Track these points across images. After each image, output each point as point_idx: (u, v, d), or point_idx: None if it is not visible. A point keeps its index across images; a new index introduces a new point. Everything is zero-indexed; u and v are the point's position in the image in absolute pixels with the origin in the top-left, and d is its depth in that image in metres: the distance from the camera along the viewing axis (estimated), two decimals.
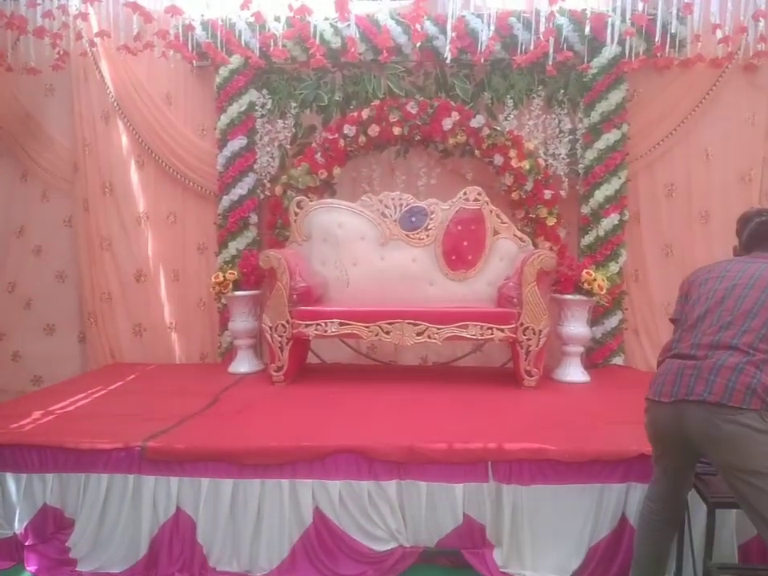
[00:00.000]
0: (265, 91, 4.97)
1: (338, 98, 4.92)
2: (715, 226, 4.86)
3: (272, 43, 4.69)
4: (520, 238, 4.63)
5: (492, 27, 4.45)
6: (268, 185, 5.03)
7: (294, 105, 4.93)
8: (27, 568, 2.90)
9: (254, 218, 5.03)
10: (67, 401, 3.79)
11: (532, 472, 2.88)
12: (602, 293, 4.28)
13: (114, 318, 5.27)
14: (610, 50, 4.56)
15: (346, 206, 4.75)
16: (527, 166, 4.68)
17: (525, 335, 4.09)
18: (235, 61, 4.85)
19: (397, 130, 4.77)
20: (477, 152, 4.81)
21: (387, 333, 4.16)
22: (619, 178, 4.72)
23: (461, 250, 4.60)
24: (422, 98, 4.82)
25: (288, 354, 4.22)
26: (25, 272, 5.40)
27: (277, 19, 4.72)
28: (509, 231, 4.64)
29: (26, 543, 2.96)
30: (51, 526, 3.00)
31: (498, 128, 4.79)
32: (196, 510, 2.91)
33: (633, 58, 4.53)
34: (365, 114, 4.79)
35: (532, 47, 4.49)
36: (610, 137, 4.68)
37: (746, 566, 2.58)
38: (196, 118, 5.21)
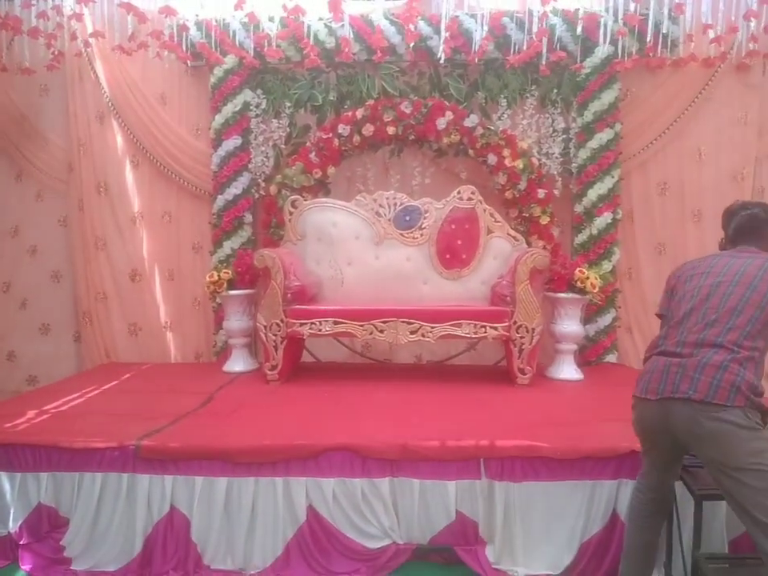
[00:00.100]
0: (259, 91, 4.98)
1: (332, 98, 4.93)
2: (708, 225, 4.88)
3: (266, 43, 4.70)
4: (513, 237, 4.65)
5: (485, 27, 4.49)
6: (263, 184, 5.04)
7: (288, 104, 4.94)
8: (22, 567, 2.91)
9: (248, 218, 5.05)
10: (62, 400, 3.80)
11: (524, 469, 2.90)
12: (595, 291, 4.30)
13: (109, 317, 5.28)
14: (602, 50, 4.58)
15: (340, 205, 4.76)
16: (521, 165, 4.70)
17: (518, 333, 4.11)
18: (230, 61, 4.86)
19: (391, 130, 4.78)
20: (471, 151, 4.83)
21: (381, 331, 4.17)
22: (612, 177, 4.74)
23: (455, 248, 4.62)
24: (416, 98, 4.83)
25: (282, 353, 4.23)
26: (20, 272, 5.40)
27: (271, 19, 4.74)
28: (502, 230, 4.66)
29: (21, 542, 2.97)
30: (46, 524, 3.01)
31: (492, 127, 4.80)
32: (190, 508, 2.93)
33: (626, 58, 4.57)
34: (359, 113, 4.80)
35: (525, 47, 4.52)
36: (603, 136, 4.70)
37: (733, 556, 2.60)
38: (191, 117, 5.22)
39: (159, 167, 5.19)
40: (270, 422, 3.40)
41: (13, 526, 3.00)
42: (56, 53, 4.78)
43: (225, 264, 4.78)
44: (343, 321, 4.18)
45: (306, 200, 4.78)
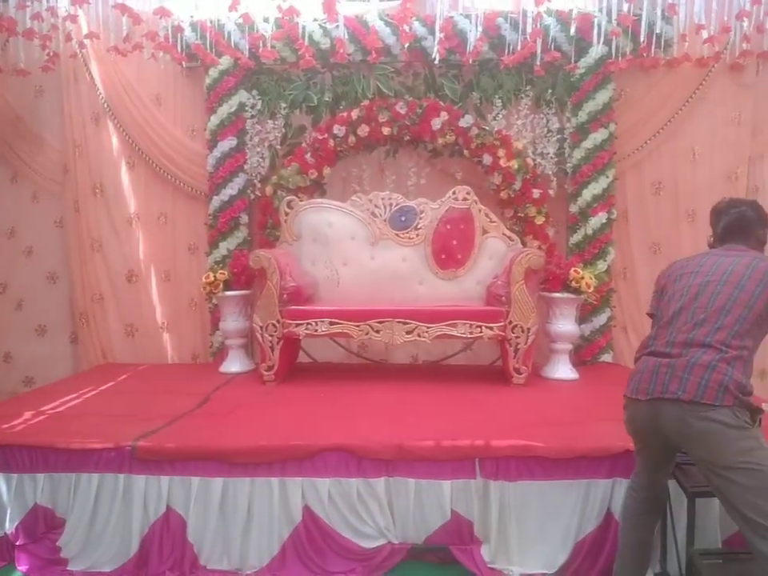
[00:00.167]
0: (254, 92, 4.99)
1: (327, 99, 4.94)
2: (702, 224, 4.84)
3: (261, 44, 4.72)
4: (509, 237, 4.66)
5: (480, 28, 4.50)
6: (258, 185, 5.05)
7: (283, 105, 4.95)
8: (18, 568, 2.91)
9: (244, 218, 5.06)
10: (58, 401, 3.80)
11: (519, 468, 2.91)
12: (590, 291, 4.32)
13: (106, 318, 5.28)
14: (596, 50, 4.60)
15: (336, 205, 4.77)
16: (516, 166, 4.72)
17: (513, 333, 4.13)
18: (225, 62, 4.87)
19: (386, 130, 4.80)
20: (466, 152, 4.84)
21: (377, 332, 4.18)
22: (607, 177, 4.76)
23: (450, 249, 4.63)
24: (411, 98, 4.85)
25: (279, 354, 4.23)
26: (16, 273, 5.40)
27: (266, 20, 4.74)
28: (498, 230, 4.67)
29: (17, 543, 2.97)
30: (42, 525, 3.01)
31: (487, 128, 4.82)
32: (186, 508, 2.93)
33: (620, 58, 4.59)
34: (354, 114, 4.82)
35: (519, 47, 4.53)
36: (597, 136, 4.72)
37: (727, 551, 2.62)
38: (186, 118, 5.23)
39: (155, 168, 5.19)
40: (266, 422, 3.41)
41: (9, 526, 3.00)
42: (51, 54, 4.77)
43: (221, 265, 4.79)
44: (339, 321, 4.19)
45: (301, 201, 4.80)
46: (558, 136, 4.89)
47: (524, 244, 4.69)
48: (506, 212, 4.93)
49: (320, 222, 4.70)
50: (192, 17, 4.78)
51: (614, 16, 4.34)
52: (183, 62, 4.95)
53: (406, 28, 4.58)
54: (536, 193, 4.76)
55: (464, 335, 4.19)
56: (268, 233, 4.97)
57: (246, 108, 4.97)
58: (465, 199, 4.63)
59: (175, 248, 5.30)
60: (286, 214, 4.73)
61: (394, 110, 4.77)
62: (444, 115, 4.74)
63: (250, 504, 2.93)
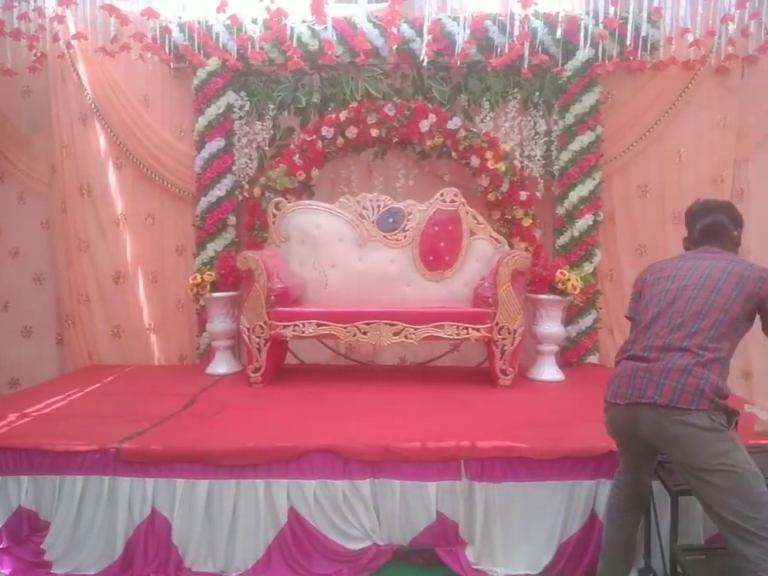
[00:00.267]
0: (243, 93, 4.99)
1: (315, 100, 4.95)
2: None
3: (249, 45, 4.71)
4: (496, 239, 4.68)
5: (468, 30, 4.50)
6: (246, 186, 5.04)
7: (271, 107, 4.95)
8: (2, 571, 2.90)
9: (232, 220, 5.05)
10: (44, 403, 3.78)
11: (504, 470, 2.93)
12: (576, 292, 4.34)
13: (92, 319, 5.25)
14: (583, 53, 4.62)
15: (324, 207, 4.77)
16: (503, 168, 4.73)
17: (500, 335, 4.14)
18: (213, 63, 4.86)
19: (374, 132, 4.80)
20: (453, 154, 4.85)
21: (364, 333, 4.19)
22: (593, 179, 4.78)
23: (438, 250, 4.63)
24: (400, 100, 4.86)
25: (266, 355, 4.23)
26: (2, 274, 5.37)
27: (254, 21, 4.75)
28: (485, 232, 4.69)
29: (1, 546, 2.95)
30: (26, 528, 3.00)
31: (475, 130, 4.83)
32: (171, 511, 2.93)
33: (606, 61, 4.59)
34: (342, 115, 4.82)
35: (507, 50, 4.54)
36: (584, 138, 4.74)
37: (710, 547, 2.64)
38: (174, 119, 5.22)
39: (142, 169, 5.18)
40: (253, 424, 3.41)
41: None
42: (38, 54, 4.76)
43: (208, 266, 4.78)
44: (326, 323, 4.19)
45: (289, 202, 4.79)
46: (546, 138, 4.91)
47: (511, 246, 4.70)
48: (494, 214, 4.94)
49: (308, 223, 4.70)
50: (180, 18, 4.76)
51: (600, 19, 4.35)
52: (171, 63, 4.93)
53: (394, 30, 4.58)
54: (523, 195, 4.77)
55: (451, 337, 4.20)
56: (256, 234, 4.96)
57: (234, 109, 4.96)
58: (452, 201, 4.65)
59: (163, 249, 5.29)
60: (274, 215, 4.73)
61: (382, 112, 4.78)
62: (432, 117, 4.75)
63: (236, 506, 2.93)
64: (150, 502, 2.93)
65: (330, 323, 4.18)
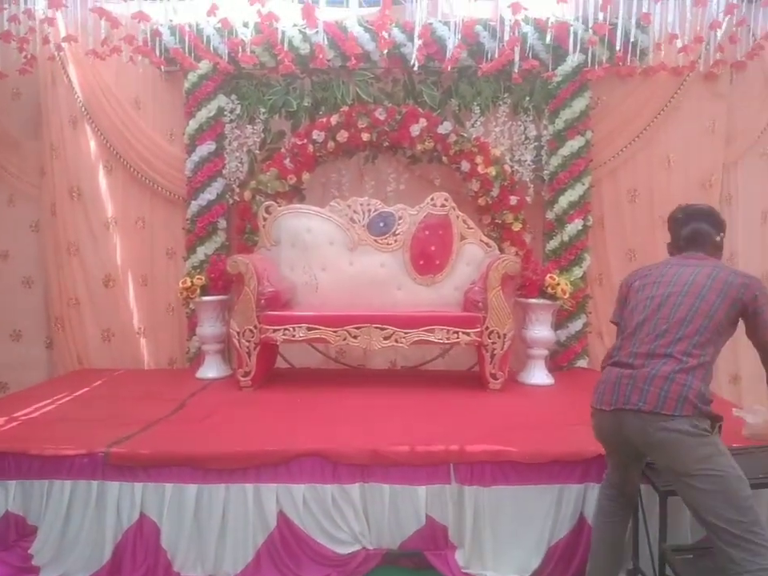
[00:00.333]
0: (234, 96, 4.99)
1: (306, 104, 4.95)
2: None
3: (240, 49, 4.71)
4: (486, 243, 4.69)
5: (458, 35, 4.52)
6: (237, 190, 5.03)
7: (262, 110, 4.95)
8: None
9: (222, 223, 5.04)
10: (32, 407, 3.76)
11: (493, 473, 2.93)
12: (566, 297, 4.35)
13: (82, 323, 5.23)
14: (573, 59, 4.64)
15: (314, 211, 4.77)
16: (493, 172, 4.74)
17: (490, 339, 4.15)
18: (204, 66, 4.86)
19: (365, 136, 4.81)
20: (444, 158, 4.86)
21: (355, 337, 4.19)
22: (583, 184, 4.80)
23: (428, 254, 4.64)
24: (390, 105, 4.87)
25: (256, 359, 4.22)
26: None
27: (245, 25, 4.75)
28: (475, 236, 4.70)
29: None
30: (13, 533, 2.97)
31: (465, 134, 4.84)
32: (160, 515, 2.92)
33: (596, 66, 4.61)
34: (333, 119, 4.82)
35: (497, 55, 4.55)
36: (574, 143, 4.76)
37: (698, 546, 2.66)
38: (164, 122, 5.20)
39: (133, 172, 5.16)
40: (242, 428, 3.40)
41: None
42: (28, 57, 4.73)
43: (198, 270, 4.78)
44: (317, 327, 4.19)
45: (280, 206, 4.78)
46: (536, 143, 4.93)
47: (501, 250, 4.72)
48: (484, 218, 4.95)
49: (299, 227, 4.70)
50: (171, 21, 4.75)
51: (590, 24, 4.38)
52: (162, 66, 4.92)
53: (385, 34, 4.60)
54: (513, 199, 4.79)
55: (441, 341, 4.21)
56: (246, 238, 4.95)
57: (225, 113, 4.96)
58: (443, 205, 4.66)
59: (153, 252, 5.27)
60: (265, 219, 4.73)
61: (373, 116, 4.79)
62: (423, 122, 4.76)
63: (225, 510, 2.92)
64: (138, 506, 2.92)
65: (320, 327, 4.18)
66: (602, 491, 2.62)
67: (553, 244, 4.89)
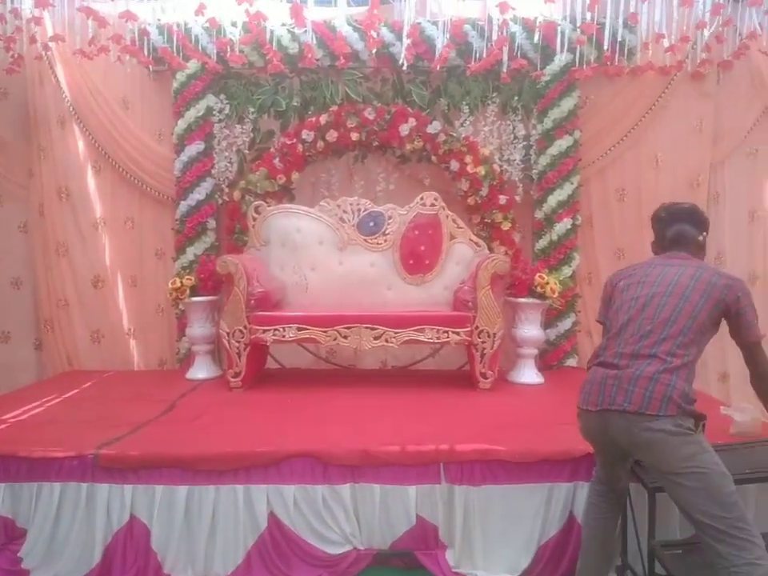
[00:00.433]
0: (222, 96, 4.97)
1: (295, 104, 4.95)
2: None
3: (229, 48, 4.70)
4: (476, 243, 4.70)
5: (447, 34, 4.53)
6: (226, 190, 5.02)
7: (251, 110, 4.94)
8: None
9: (212, 223, 5.03)
10: (21, 409, 3.74)
11: (483, 472, 2.94)
12: (555, 296, 4.36)
13: (71, 324, 5.20)
14: (561, 58, 4.66)
15: (304, 210, 4.77)
16: (482, 172, 4.75)
17: (479, 338, 4.16)
18: (192, 66, 4.84)
19: (355, 136, 4.81)
20: (433, 158, 4.87)
21: (345, 337, 4.19)
22: (572, 184, 4.82)
23: (418, 254, 4.65)
24: (380, 104, 4.87)
25: (246, 360, 4.21)
26: None
27: (233, 24, 4.74)
28: (465, 236, 4.71)
29: None
30: (2, 536, 2.96)
31: (454, 134, 4.85)
32: (150, 517, 2.91)
33: (584, 66, 4.63)
34: (323, 119, 4.82)
35: (486, 55, 4.56)
36: (562, 143, 4.78)
37: (687, 542, 2.68)
38: (153, 122, 5.18)
39: (121, 172, 5.14)
40: (232, 429, 3.39)
41: None
42: (15, 56, 4.70)
43: (188, 270, 4.77)
44: (307, 327, 4.18)
45: (269, 206, 4.78)
46: (524, 143, 4.95)
47: (491, 250, 4.73)
48: (473, 218, 4.97)
49: (288, 227, 4.70)
50: (159, 20, 4.74)
51: (578, 24, 4.40)
52: (150, 66, 4.89)
53: (374, 34, 4.60)
54: (502, 199, 4.80)
55: (431, 340, 4.22)
56: (236, 238, 4.94)
57: (214, 112, 4.94)
58: (433, 205, 4.66)
59: (142, 253, 5.25)
60: (254, 219, 4.72)
61: (362, 116, 4.79)
62: (412, 121, 4.76)
63: (215, 511, 2.92)
64: (128, 508, 2.91)
65: (310, 327, 4.18)
66: (592, 488, 2.64)
67: (542, 243, 4.90)
